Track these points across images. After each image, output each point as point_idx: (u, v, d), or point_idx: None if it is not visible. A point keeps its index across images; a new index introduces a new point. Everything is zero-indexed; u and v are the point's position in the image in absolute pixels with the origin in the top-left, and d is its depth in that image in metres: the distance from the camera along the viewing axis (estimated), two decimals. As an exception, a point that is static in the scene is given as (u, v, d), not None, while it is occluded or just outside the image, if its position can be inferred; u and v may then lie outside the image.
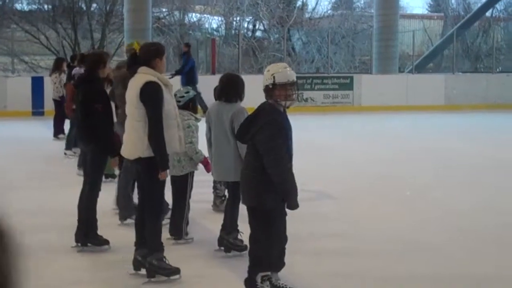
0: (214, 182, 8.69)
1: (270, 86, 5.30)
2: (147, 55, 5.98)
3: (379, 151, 15.00)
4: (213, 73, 24.68)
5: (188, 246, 7.25)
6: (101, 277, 6.28)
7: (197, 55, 31.07)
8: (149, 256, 5.95)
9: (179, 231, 7.32)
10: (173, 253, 6.47)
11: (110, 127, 7.07)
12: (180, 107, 7.20)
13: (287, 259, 5.58)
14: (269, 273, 5.37)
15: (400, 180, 11.36)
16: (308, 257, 6.69)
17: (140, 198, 6.10)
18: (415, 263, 6.65)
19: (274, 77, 5.29)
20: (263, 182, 5.22)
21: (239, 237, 6.88)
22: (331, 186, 10.60)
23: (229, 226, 6.88)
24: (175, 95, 7.42)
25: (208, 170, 7.29)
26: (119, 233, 7.66)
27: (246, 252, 6.61)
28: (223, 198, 8.66)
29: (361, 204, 9.51)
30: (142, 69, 5.92)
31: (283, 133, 5.23)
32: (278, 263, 5.44)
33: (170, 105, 5.95)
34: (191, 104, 7.51)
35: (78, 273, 6.35)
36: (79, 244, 7.00)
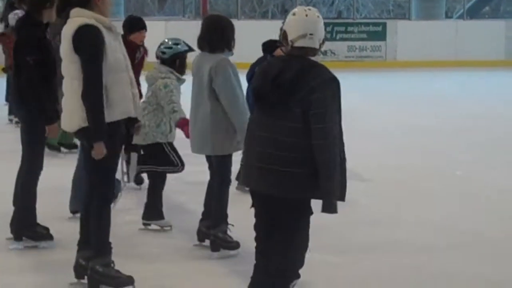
0: None
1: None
2: None
3: (420, 119, 15.03)
4: (204, 17, 24.51)
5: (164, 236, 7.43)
6: (36, 282, 6.29)
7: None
8: (92, 259, 5.89)
9: (152, 215, 7.52)
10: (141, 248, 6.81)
11: (45, 87, 6.83)
12: (162, 61, 7.16)
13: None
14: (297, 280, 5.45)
15: (447, 156, 11.44)
16: (330, 256, 6.77)
17: (86, 183, 6.04)
18: (469, 261, 6.77)
19: None
20: (310, 166, 5.07)
21: (228, 232, 6.89)
22: (359, 164, 10.54)
23: (217, 217, 6.82)
24: (160, 45, 7.38)
25: (186, 134, 7.19)
26: (69, 225, 7.47)
27: (237, 251, 6.83)
28: None
29: (397, 186, 9.58)
30: (74, 12, 5.80)
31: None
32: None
33: (117, 53, 5.86)
34: (178, 61, 7.50)
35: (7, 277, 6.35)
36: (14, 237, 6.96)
